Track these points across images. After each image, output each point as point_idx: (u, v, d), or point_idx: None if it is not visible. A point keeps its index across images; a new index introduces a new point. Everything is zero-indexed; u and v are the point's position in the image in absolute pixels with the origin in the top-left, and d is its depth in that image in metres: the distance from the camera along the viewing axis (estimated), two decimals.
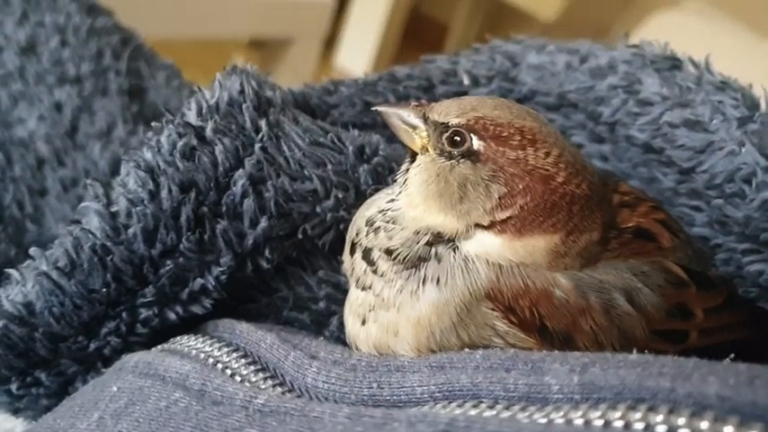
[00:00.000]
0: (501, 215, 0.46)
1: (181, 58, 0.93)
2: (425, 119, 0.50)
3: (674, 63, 0.60)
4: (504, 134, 0.46)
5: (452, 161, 0.48)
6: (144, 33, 0.90)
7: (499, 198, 0.46)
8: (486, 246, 0.47)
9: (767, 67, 0.56)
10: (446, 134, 0.48)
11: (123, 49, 0.84)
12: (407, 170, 0.51)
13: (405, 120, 0.50)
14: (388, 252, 0.49)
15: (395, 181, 0.53)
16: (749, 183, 0.52)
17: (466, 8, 2.32)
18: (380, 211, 0.51)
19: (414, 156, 0.51)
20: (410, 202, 0.50)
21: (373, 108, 0.52)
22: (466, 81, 0.68)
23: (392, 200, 0.51)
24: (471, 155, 0.47)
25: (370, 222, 0.51)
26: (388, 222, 0.50)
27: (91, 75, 0.80)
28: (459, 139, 0.48)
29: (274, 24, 1.54)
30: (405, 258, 0.48)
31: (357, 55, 1.86)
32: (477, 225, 0.47)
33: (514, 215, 0.46)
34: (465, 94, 0.67)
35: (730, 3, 1.87)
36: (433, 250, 0.48)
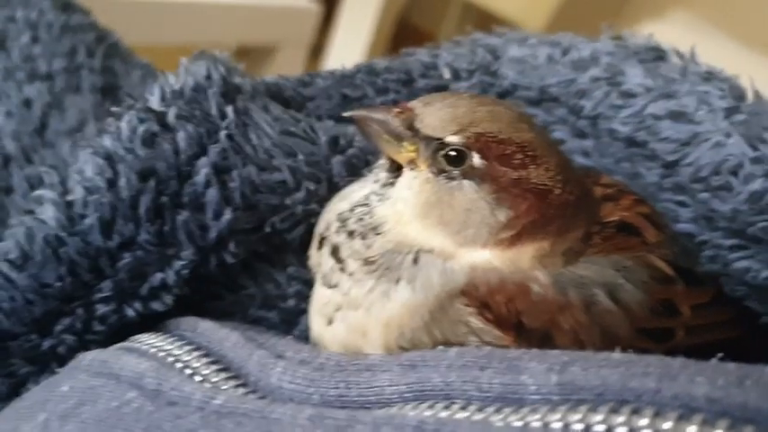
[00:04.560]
0: (504, 235, 0.45)
1: (167, 65, 0.91)
2: (412, 128, 0.46)
3: (658, 54, 0.58)
4: (507, 152, 0.44)
5: (454, 182, 0.45)
6: (129, 40, 0.88)
7: (506, 221, 0.45)
8: (475, 258, 0.45)
9: (756, 78, 0.55)
10: (442, 152, 0.45)
11: (98, 46, 0.82)
12: (392, 182, 0.47)
13: (388, 129, 0.46)
14: (366, 261, 0.46)
15: (371, 173, 0.51)
16: (736, 175, 0.50)
17: (454, 19, 2.32)
18: (354, 212, 0.48)
19: (395, 165, 0.48)
20: (399, 219, 0.46)
21: (346, 114, 0.48)
22: (446, 75, 0.66)
23: (367, 204, 0.48)
24: (473, 175, 0.44)
25: (342, 219, 0.48)
26: (365, 228, 0.47)
27: (63, 71, 0.78)
28: (457, 155, 0.45)
29: (259, 31, 1.52)
30: (381, 266, 0.46)
31: (345, 64, 1.84)
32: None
33: (515, 234, 0.45)
34: (445, 87, 0.65)
35: (718, 15, 1.87)
36: (413, 257, 0.46)
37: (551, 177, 0.45)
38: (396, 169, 0.48)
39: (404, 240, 0.46)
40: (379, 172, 0.49)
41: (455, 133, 0.45)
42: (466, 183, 0.45)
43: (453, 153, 0.45)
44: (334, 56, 1.88)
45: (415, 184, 0.46)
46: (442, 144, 0.45)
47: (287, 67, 1.56)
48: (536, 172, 0.45)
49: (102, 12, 0.87)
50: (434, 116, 0.46)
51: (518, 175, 0.44)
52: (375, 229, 0.47)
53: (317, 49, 1.83)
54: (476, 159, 0.44)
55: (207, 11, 1.41)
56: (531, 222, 0.45)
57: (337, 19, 1.91)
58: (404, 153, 0.46)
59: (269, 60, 1.58)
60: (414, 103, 0.47)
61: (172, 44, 1.37)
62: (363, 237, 0.47)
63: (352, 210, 0.48)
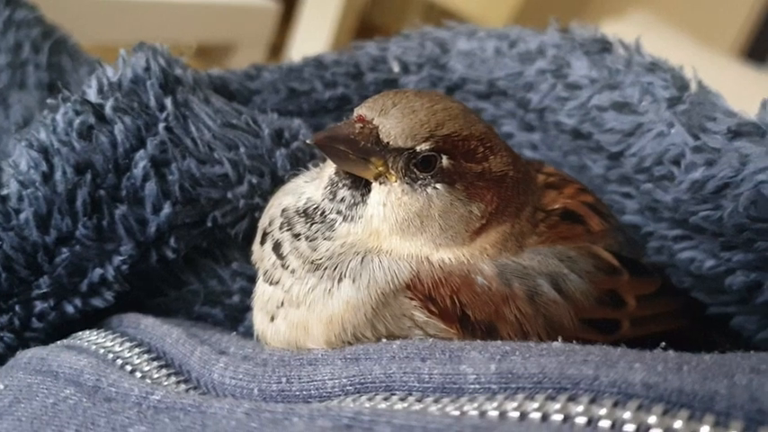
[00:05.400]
0: (476, 228, 0.45)
1: None
2: (379, 142, 0.44)
3: (603, 46, 0.58)
4: (471, 147, 0.45)
5: (429, 189, 0.44)
6: (86, 39, 0.86)
7: (479, 215, 0.45)
8: (450, 255, 0.44)
9: (712, 77, 0.55)
10: (414, 160, 0.44)
11: (44, 42, 0.80)
12: (362, 201, 0.45)
13: (357, 149, 0.43)
14: (312, 262, 0.45)
15: (317, 168, 0.50)
16: (678, 164, 0.51)
17: (416, 17, 2.32)
18: (302, 217, 0.46)
19: (357, 180, 0.45)
20: (377, 236, 0.45)
21: (308, 141, 0.45)
22: (396, 68, 0.65)
23: (324, 219, 0.46)
24: (444, 176, 0.44)
25: (287, 218, 0.47)
26: (314, 234, 0.45)
27: (7, 67, 0.76)
28: (427, 161, 0.44)
29: (217, 30, 1.50)
30: (324, 266, 0.45)
31: None
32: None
33: (484, 223, 0.45)
34: (395, 81, 0.65)
35: (678, 17, 1.90)
36: (361, 257, 0.45)
37: (506, 163, 0.46)
38: (360, 185, 0.45)
39: (359, 245, 0.45)
40: (338, 189, 0.46)
41: (426, 140, 0.44)
42: (440, 186, 0.44)
43: (423, 159, 0.44)
44: (294, 55, 1.87)
45: (390, 199, 0.44)
46: (414, 153, 0.44)
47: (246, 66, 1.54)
48: (495, 161, 0.45)
49: (57, 10, 0.85)
50: (399, 126, 0.44)
51: (481, 168, 0.45)
52: (328, 238, 0.45)
53: (277, 49, 1.82)
54: (445, 161, 0.44)
55: (165, 10, 1.39)
56: (495, 208, 0.45)
57: (298, 18, 1.90)
58: (372, 169, 0.44)
59: (228, 59, 1.56)
60: (366, 113, 0.44)
61: (129, 44, 1.35)
62: (310, 239, 0.45)
63: (298, 213, 0.47)
